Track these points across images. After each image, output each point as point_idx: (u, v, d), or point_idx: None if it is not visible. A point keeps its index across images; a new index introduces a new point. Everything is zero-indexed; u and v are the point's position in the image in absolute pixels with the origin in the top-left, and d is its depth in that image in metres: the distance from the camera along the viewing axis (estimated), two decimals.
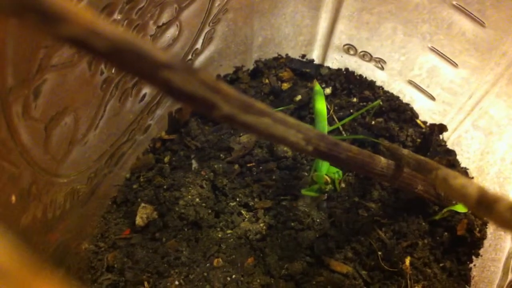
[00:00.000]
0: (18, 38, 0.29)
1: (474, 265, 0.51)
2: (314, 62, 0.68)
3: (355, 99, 0.64)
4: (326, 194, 0.52)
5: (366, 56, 0.63)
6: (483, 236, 0.52)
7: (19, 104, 0.32)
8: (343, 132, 0.61)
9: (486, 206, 0.26)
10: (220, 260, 0.49)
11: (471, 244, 0.51)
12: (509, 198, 0.25)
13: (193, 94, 0.23)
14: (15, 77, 0.30)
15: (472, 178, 0.57)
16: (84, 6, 0.33)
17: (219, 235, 0.51)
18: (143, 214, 0.52)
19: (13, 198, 0.34)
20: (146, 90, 0.51)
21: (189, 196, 0.53)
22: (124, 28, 0.40)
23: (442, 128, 0.59)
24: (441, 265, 0.50)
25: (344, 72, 0.66)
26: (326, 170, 0.49)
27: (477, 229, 0.51)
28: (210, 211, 0.53)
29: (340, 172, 0.49)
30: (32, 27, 0.19)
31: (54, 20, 0.19)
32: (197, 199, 0.53)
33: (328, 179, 0.47)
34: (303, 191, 0.50)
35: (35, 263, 0.12)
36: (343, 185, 0.54)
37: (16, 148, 0.33)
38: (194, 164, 0.57)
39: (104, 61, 0.32)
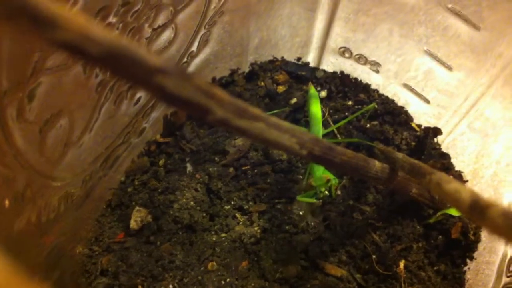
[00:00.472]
0: (12, 41, 0.29)
1: (469, 268, 0.51)
2: (310, 65, 0.68)
3: (350, 102, 0.64)
4: (321, 201, 0.52)
5: (361, 59, 0.63)
6: (478, 239, 0.52)
7: (13, 107, 0.32)
8: (338, 135, 0.61)
9: (478, 211, 0.26)
10: (215, 263, 0.49)
11: (466, 247, 0.51)
12: (502, 204, 0.25)
13: (187, 99, 0.23)
14: (9, 80, 0.30)
15: (467, 181, 0.57)
16: (77, 11, 0.33)
17: (214, 239, 0.51)
18: (137, 217, 0.52)
19: (7, 201, 0.34)
20: (141, 93, 0.51)
21: (184, 200, 0.53)
22: (118, 32, 0.40)
23: (436, 131, 0.60)
24: (435, 268, 0.50)
25: (340, 75, 0.66)
26: (321, 174, 0.49)
27: (472, 232, 0.51)
28: (204, 214, 0.53)
29: (336, 180, 0.49)
30: (25, 32, 0.19)
31: (46, 26, 0.18)
32: (192, 203, 0.53)
33: (328, 177, 0.47)
34: (299, 198, 0.50)
35: (24, 272, 0.12)
36: (338, 192, 0.54)
37: (10, 151, 0.33)
38: (189, 167, 0.57)
39: (98, 66, 0.32)
